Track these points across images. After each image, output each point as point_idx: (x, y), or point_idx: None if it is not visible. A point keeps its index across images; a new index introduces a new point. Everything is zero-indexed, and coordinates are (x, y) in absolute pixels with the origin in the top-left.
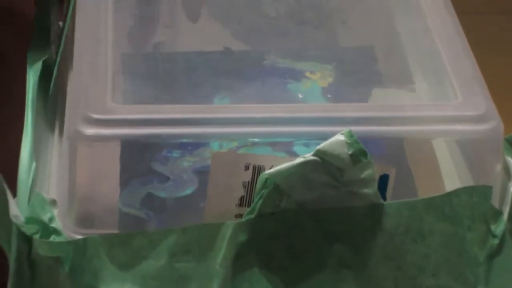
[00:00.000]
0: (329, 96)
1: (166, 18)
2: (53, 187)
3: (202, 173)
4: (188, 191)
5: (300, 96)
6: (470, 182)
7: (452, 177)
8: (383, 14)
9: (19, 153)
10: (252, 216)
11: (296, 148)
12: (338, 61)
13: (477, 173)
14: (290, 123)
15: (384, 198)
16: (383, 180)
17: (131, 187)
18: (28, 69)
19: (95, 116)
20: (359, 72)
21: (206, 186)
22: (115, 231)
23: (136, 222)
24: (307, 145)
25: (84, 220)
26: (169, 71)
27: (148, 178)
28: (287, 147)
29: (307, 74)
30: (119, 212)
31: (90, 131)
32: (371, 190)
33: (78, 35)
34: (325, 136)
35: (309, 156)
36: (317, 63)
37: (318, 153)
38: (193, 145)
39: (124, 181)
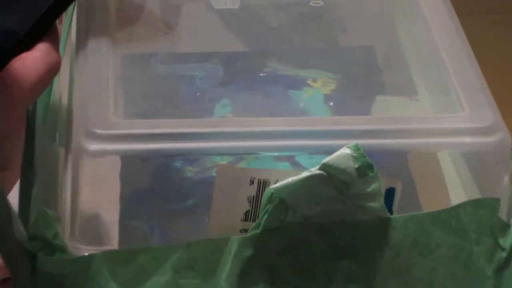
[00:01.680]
0: (331, 103)
1: (165, 27)
2: (54, 200)
3: (204, 184)
4: (190, 203)
5: (302, 104)
6: (476, 195)
7: (457, 189)
8: (385, 22)
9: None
10: (258, 231)
11: (299, 159)
12: (340, 69)
13: (483, 186)
14: (295, 136)
15: (391, 212)
16: (389, 194)
17: (132, 200)
18: None
19: (98, 131)
20: (362, 79)
21: (208, 197)
22: (118, 246)
23: (139, 235)
24: (310, 156)
25: (88, 236)
26: (170, 80)
27: (149, 191)
28: (290, 158)
29: (309, 81)
30: (122, 226)
31: (94, 146)
32: (377, 204)
33: (79, 47)
34: (330, 150)
35: (314, 170)
36: (318, 70)
37: (324, 167)
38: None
39: (126, 195)
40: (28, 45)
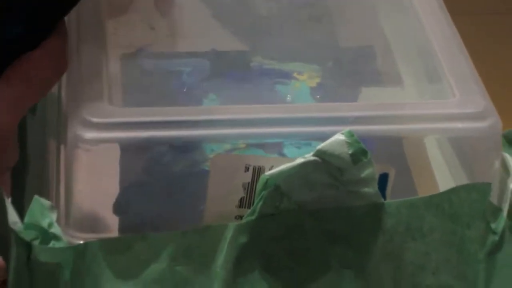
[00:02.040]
0: (318, 96)
1: (152, 20)
2: (47, 190)
3: (195, 177)
4: (181, 196)
5: (289, 97)
6: (464, 180)
7: (445, 175)
8: (374, 13)
9: None
10: (253, 217)
11: (286, 150)
12: (327, 61)
13: (473, 171)
14: (286, 123)
15: (384, 197)
16: (383, 179)
17: (127, 190)
18: None
19: (94, 119)
20: (348, 71)
21: (200, 189)
22: (115, 234)
23: (135, 225)
24: (298, 147)
25: (83, 224)
26: (157, 75)
27: (144, 181)
28: (278, 149)
29: (295, 74)
30: (118, 215)
31: (90, 134)
32: (371, 190)
33: (70, 38)
34: (322, 136)
35: (309, 156)
36: (304, 63)
37: (318, 153)
38: (186, 148)
39: (121, 184)
40: (35, 43)
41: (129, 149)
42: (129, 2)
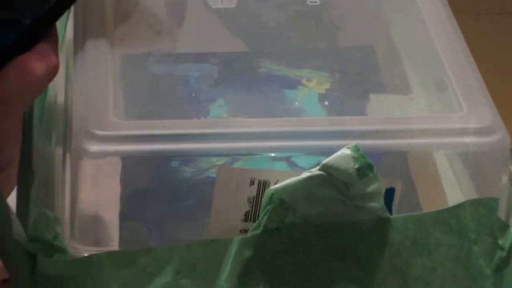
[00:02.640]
0: (326, 103)
1: (159, 25)
2: (52, 201)
3: (201, 185)
4: (187, 203)
5: (297, 103)
6: (473, 195)
7: (454, 189)
8: (381, 21)
9: None
10: (258, 231)
11: (295, 158)
12: (335, 68)
13: (481, 185)
14: (294, 137)
15: (390, 212)
16: (389, 194)
17: (130, 200)
18: None
19: (99, 132)
20: (356, 78)
21: (205, 198)
22: (118, 247)
23: (137, 236)
24: (307, 156)
25: (87, 236)
26: (165, 80)
27: (147, 191)
28: (287, 158)
29: (304, 81)
30: (120, 226)
31: (94, 147)
32: (377, 204)
33: (76, 46)
34: (328, 150)
35: (315, 170)
36: (313, 70)
37: (324, 168)
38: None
39: (124, 195)
40: (26, 47)
41: (130, 162)
42: (135, 5)
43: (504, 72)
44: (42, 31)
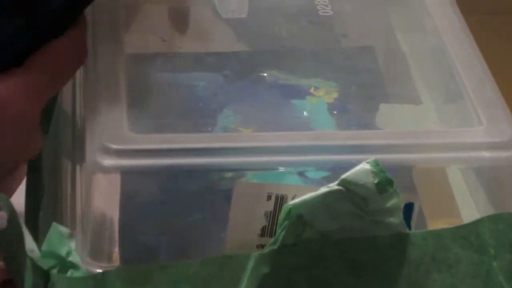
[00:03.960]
0: (335, 112)
1: (164, 33)
2: (60, 215)
3: (212, 198)
4: (198, 217)
5: (305, 113)
6: (489, 210)
7: (469, 205)
8: (393, 33)
9: None
10: (275, 247)
11: (308, 172)
12: (343, 78)
13: (499, 201)
14: (308, 151)
15: (409, 227)
16: (408, 209)
17: (140, 212)
18: None
19: (114, 146)
20: (366, 88)
21: (216, 211)
22: (130, 262)
23: (150, 249)
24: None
25: (101, 252)
26: (171, 90)
27: (157, 204)
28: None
29: (312, 90)
30: (132, 241)
31: (109, 162)
32: (396, 220)
33: (88, 59)
34: (345, 165)
35: (333, 185)
36: (321, 79)
37: (342, 183)
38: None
39: (134, 209)
40: (57, 32)
41: (144, 174)
42: (140, 13)
43: (505, 72)
44: (72, 17)
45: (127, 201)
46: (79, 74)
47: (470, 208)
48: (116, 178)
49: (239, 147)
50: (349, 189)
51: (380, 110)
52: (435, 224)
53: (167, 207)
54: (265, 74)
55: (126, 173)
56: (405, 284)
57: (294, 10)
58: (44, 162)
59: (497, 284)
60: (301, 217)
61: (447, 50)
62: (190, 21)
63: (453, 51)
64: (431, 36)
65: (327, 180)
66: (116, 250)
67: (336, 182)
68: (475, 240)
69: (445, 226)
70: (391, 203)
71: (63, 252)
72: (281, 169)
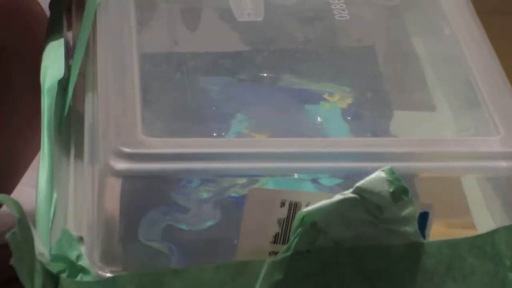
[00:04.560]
0: (349, 118)
1: (178, 34)
2: (69, 218)
3: (222, 205)
4: (209, 223)
5: (319, 119)
6: (505, 221)
7: (484, 215)
8: (408, 36)
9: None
10: (288, 254)
11: (322, 180)
12: (357, 83)
13: None
14: (324, 158)
15: (424, 237)
16: (423, 218)
17: (150, 219)
18: (42, 89)
19: (127, 150)
20: (380, 94)
21: (227, 218)
22: (143, 268)
23: (159, 255)
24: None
25: (111, 256)
26: (185, 93)
27: (167, 209)
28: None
29: (325, 96)
30: (143, 247)
31: (122, 165)
32: (411, 229)
33: (101, 59)
34: (363, 172)
35: (347, 193)
36: (334, 84)
37: (357, 191)
38: None
39: (144, 213)
40: None
41: (153, 180)
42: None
43: (505, 72)
44: None
45: (138, 205)
46: (91, 74)
47: (485, 218)
48: (129, 182)
49: (253, 152)
50: (364, 197)
51: (395, 117)
52: (449, 234)
53: (178, 214)
54: (280, 79)
55: (139, 177)
56: None
57: (310, 14)
58: (55, 164)
59: None
60: (315, 225)
61: (464, 56)
62: (204, 22)
63: (471, 57)
64: (448, 42)
65: (341, 187)
66: None
67: (351, 190)
68: (490, 250)
69: (460, 236)
70: (406, 211)
71: (73, 256)
72: (295, 175)
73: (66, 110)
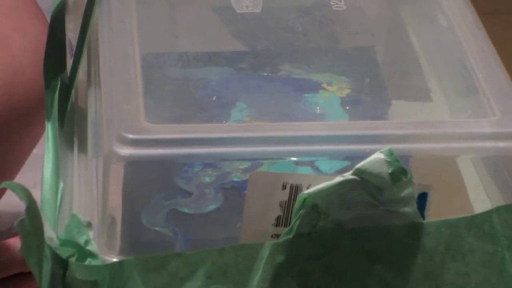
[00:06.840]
0: (348, 107)
1: (177, 29)
2: (75, 205)
3: (225, 189)
4: (212, 207)
5: (319, 107)
6: (500, 201)
7: (480, 195)
8: (407, 27)
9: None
10: (290, 236)
11: (318, 163)
12: (355, 73)
13: (511, 191)
14: (323, 141)
15: (423, 217)
16: (422, 199)
17: (154, 203)
18: (45, 85)
19: (130, 136)
20: (378, 83)
21: (229, 201)
22: (147, 251)
23: (164, 240)
24: (330, 161)
25: (118, 241)
26: (185, 84)
27: (171, 194)
28: (310, 162)
29: (324, 85)
30: (147, 231)
31: (126, 151)
32: (410, 209)
33: (104, 52)
34: (358, 154)
35: (348, 175)
36: (333, 74)
37: (357, 172)
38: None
39: (147, 198)
40: None
41: (157, 165)
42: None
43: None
44: None
45: (142, 190)
46: (94, 68)
47: (481, 198)
48: (132, 168)
49: (254, 137)
50: (364, 179)
51: (393, 106)
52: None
53: (181, 199)
54: (279, 69)
55: (143, 163)
56: (420, 273)
57: (308, 4)
58: (62, 157)
59: (510, 274)
60: (316, 207)
61: (460, 42)
62: (203, 15)
63: (466, 44)
64: (443, 30)
65: (340, 172)
66: None
67: (351, 171)
68: (488, 230)
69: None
70: (405, 192)
71: (81, 240)
72: (295, 159)
73: (69, 105)
